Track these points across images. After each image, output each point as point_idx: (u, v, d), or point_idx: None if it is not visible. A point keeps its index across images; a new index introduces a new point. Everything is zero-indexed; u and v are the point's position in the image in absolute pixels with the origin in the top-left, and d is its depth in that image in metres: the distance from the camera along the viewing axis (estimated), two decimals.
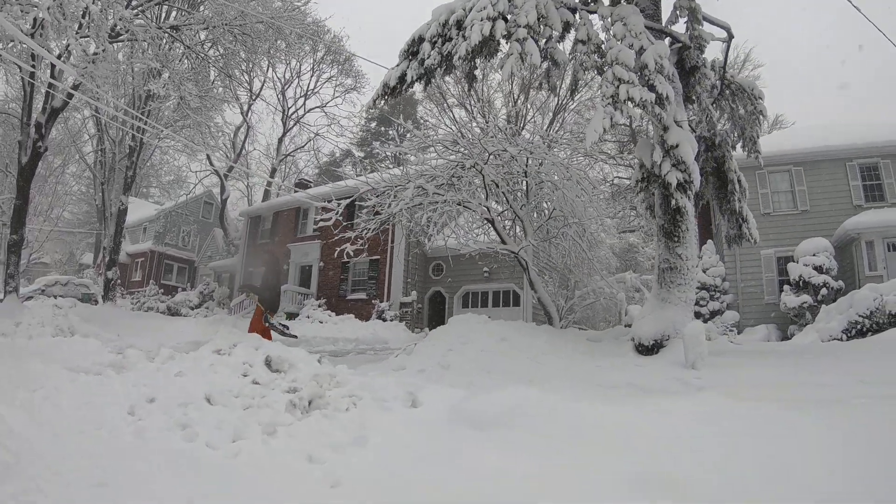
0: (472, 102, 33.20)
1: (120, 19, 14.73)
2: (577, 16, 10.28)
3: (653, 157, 10.03)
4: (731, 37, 11.80)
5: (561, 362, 9.69)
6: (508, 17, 9.38)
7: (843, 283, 17.42)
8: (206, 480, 3.58)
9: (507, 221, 16.34)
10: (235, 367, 5.98)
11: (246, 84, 33.53)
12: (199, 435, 4.36)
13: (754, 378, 7.80)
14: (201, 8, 18.28)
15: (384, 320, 22.84)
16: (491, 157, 13.83)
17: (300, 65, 37.83)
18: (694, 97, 11.95)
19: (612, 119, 9.00)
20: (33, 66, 15.41)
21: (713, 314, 19.47)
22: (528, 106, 32.75)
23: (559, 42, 10.75)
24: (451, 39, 9.56)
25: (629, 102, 8.93)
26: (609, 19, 10.04)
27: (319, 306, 25.48)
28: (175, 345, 11.12)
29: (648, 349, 10.06)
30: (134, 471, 3.62)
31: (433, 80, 10.27)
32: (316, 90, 39.82)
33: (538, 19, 9.44)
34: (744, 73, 35.53)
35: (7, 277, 17.66)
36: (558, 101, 30.00)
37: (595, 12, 10.38)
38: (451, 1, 9.92)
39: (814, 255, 17.84)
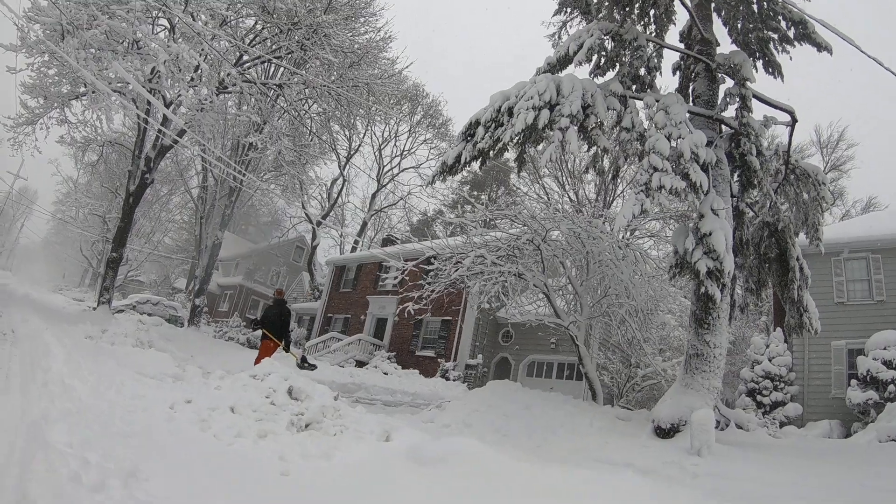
0: (564, 175, 34.51)
1: (228, 75, 17.05)
2: (625, 104, 11.26)
3: (685, 244, 10.66)
4: (794, 121, 12.22)
5: (573, 434, 10.50)
6: (557, 105, 10.58)
7: None
8: (202, 454, 4.94)
9: (569, 295, 17.22)
10: (262, 390, 7.41)
11: (345, 139, 36.51)
12: (211, 428, 5.80)
13: (755, 474, 8.15)
14: (305, 68, 20.59)
15: (447, 379, 23.92)
16: (549, 233, 14.79)
17: (397, 126, 40.73)
18: (756, 182, 12.49)
19: (642, 206, 9.89)
20: (148, 107, 17.89)
21: (775, 405, 19.17)
22: (619, 180, 33.83)
23: (614, 128, 11.82)
24: (502, 125, 10.68)
25: (661, 190, 9.80)
26: (654, 108, 10.98)
27: (389, 358, 27.01)
28: (240, 370, 12.73)
29: (665, 432, 10.49)
30: (154, 437, 5.05)
31: (487, 161, 11.38)
32: (412, 151, 42.52)
33: (583, 108, 10.60)
34: (837, 153, 35.58)
35: (102, 289, 20.15)
36: None
37: (642, 100, 11.37)
38: (507, 88, 11.22)
39: (884, 348, 17.11)
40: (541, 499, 4.74)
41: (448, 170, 11.48)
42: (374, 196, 42.50)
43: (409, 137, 41.62)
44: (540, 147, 11.19)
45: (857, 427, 16.77)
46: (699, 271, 10.29)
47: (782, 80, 13.75)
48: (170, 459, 4.43)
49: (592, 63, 12.90)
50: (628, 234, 17.16)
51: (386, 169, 42.53)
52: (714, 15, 13.97)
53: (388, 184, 42.70)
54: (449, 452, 5.71)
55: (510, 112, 10.70)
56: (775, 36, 13.30)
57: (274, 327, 12.16)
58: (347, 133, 35.10)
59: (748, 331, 28.04)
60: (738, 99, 12.02)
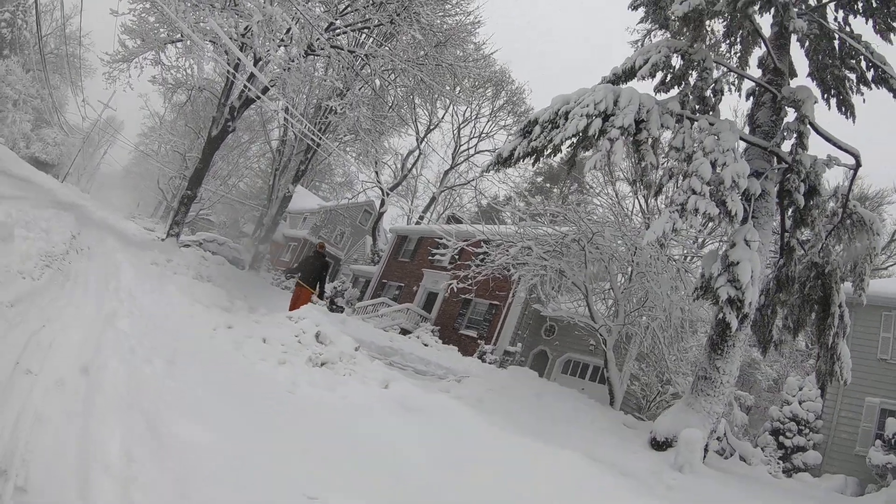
0: (639, 180, 34.81)
1: (317, 40, 18.35)
2: (681, 123, 11.77)
3: (711, 268, 11.23)
4: (858, 165, 12.44)
5: (573, 427, 11.40)
6: (612, 116, 11.33)
7: None
8: (229, 364, 6.28)
9: (610, 300, 18.04)
10: (294, 330, 8.76)
11: (426, 113, 37.83)
12: (242, 350, 7.18)
13: (728, 498, 8.87)
14: (394, 41, 21.75)
15: (483, 361, 24.89)
16: (595, 236, 15.61)
17: (479, 108, 41.81)
18: (809, 220, 12.80)
19: (674, 225, 10.57)
20: (238, 61, 19.37)
21: (796, 449, 19.42)
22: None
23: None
24: (558, 127, 11.51)
25: (696, 213, 10.38)
26: (706, 132, 11.48)
27: (432, 332, 28.26)
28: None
29: (659, 445, 11.23)
30: (195, 345, 6.44)
31: (541, 158, 12.14)
32: (490, 134, 43.37)
33: (636, 122, 11.26)
34: None
35: (173, 223, 22.03)
36: None
37: (697, 121, 11.91)
38: (569, 93, 12.05)
39: None
40: (489, 453, 5.80)
41: (502, 162, 12.32)
42: (446, 173, 43.64)
43: (489, 121, 42.54)
44: (589, 153, 11.94)
45: (871, 489, 16.74)
46: (719, 297, 10.81)
47: (853, 121, 13.89)
48: (203, 361, 5.79)
49: (658, 78, 13.39)
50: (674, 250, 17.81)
51: (462, 148, 43.59)
52: (798, 45, 14.41)
53: (462, 163, 43.76)
54: (431, 404, 6.89)
55: (566, 116, 11.44)
56: (852, 76, 13.53)
57: (311, 277, 13.45)
58: (428, 108, 36.36)
59: (794, 371, 28.07)
60: (795, 134, 12.21)
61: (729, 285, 10.89)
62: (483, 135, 43.12)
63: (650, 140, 11.78)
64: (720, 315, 11.37)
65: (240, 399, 4.99)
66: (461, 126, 43.12)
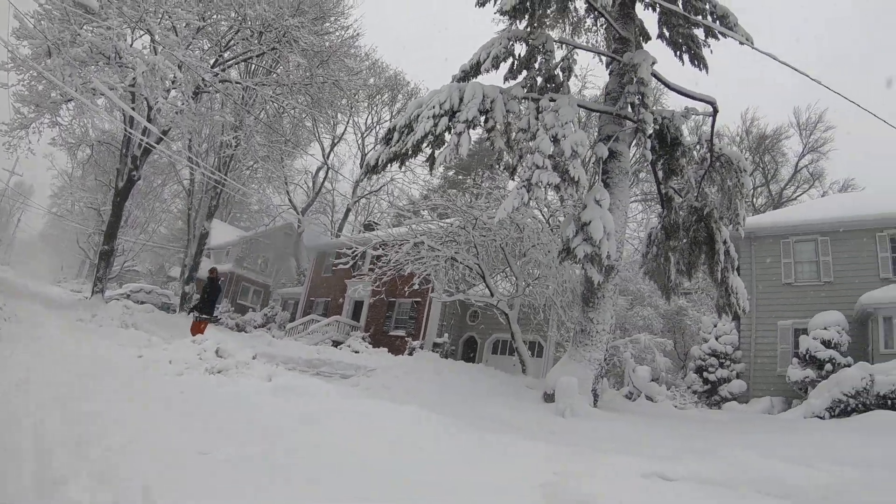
0: (496, 164, 37.00)
1: (202, 80, 19.78)
2: (523, 105, 13.42)
3: (567, 231, 12.76)
4: (715, 111, 14.03)
5: (468, 395, 12.85)
6: (458, 112, 12.72)
7: (852, 360, 17.47)
8: (134, 380, 7.92)
9: (513, 277, 19.82)
10: (196, 350, 10.38)
11: (327, 130, 39.42)
12: (149, 370, 8.80)
13: (608, 432, 9.75)
14: (280, 67, 23.27)
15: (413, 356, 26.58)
16: (478, 221, 17.45)
17: (379, 115, 44.06)
18: (678, 169, 14.64)
19: (522, 200, 11.97)
20: (133, 108, 20.63)
21: (720, 382, 21.27)
22: None
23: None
24: (413, 131, 12.97)
25: (540, 185, 11.82)
26: (548, 110, 12.84)
27: (363, 339, 29.93)
28: None
29: (550, 397, 12.71)
30: (107, 372, 8.04)
31: (404, 161, 13.66)
32: None
33: (483, 113, 12.71)
34: (815, 136, 39.34)
35: (96, 280, 23.08)
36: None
37: (539, 101, 13.27)
38: (423, 96, 13.51)
39: (824, 328, 18.55)
40: (337, 412, 7.44)
41: (370, 170, 13.95)
42: (357, 183, 45.02)
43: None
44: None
45: (796, 403, 17.89)
46: (577, 256, 12.33)
47: (706, 73, 15.65)
48: (112, 378, 7.44)
49: (506, 67, 14.73)
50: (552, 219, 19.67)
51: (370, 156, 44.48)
52: (649, 11, 16.01)
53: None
54: (298, 386, 8.61)
55: (419, 119, 12.94)
56: (698, 32, 15.22)
57: (205, 303, 15.12)
58: (330, 123, 37.85)
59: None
60: (638, 96, 13.42)
61: (585, 244, 12.39)
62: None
63: (500, 127, 13.36)
64: (583, 271, 13.02)
65: (132, 395, 6.61)
66: (364, 135, 45.12)
